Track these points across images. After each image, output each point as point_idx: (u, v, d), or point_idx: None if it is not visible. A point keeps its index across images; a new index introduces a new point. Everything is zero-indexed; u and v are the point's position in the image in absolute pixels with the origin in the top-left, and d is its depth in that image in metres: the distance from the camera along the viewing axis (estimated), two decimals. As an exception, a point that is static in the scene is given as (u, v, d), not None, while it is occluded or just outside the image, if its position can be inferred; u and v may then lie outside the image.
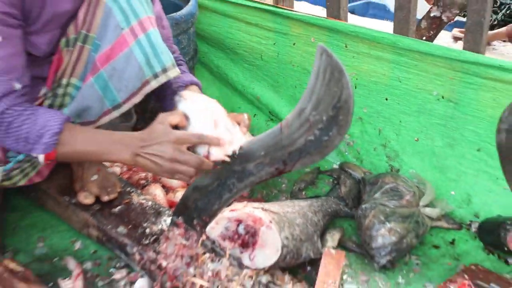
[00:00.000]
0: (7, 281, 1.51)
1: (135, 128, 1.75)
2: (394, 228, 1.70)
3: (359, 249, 1.76)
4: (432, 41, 2.39)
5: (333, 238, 1.75)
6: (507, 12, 3.33)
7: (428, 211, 1.81)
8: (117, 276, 1.62)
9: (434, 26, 2.38)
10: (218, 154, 1.44)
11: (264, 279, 1.47)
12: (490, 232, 1.76)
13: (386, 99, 2.07)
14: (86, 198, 1.75)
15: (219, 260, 1.49)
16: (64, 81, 1.58)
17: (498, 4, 3.05)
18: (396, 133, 2.09)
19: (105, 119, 1.59)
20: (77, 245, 1.75)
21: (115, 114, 1.58)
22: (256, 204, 1.57)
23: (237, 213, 1.49)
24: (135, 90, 1.54)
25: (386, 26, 3.83)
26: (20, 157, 1.54)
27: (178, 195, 1.88)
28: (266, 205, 1.60)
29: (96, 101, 1.56)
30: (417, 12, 2.39)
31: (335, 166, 2.18)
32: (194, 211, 1.57)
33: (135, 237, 1.64)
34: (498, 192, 1.77)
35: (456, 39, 2.96)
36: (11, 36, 1.37)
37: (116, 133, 1.49)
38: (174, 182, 2.02)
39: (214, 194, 1.54)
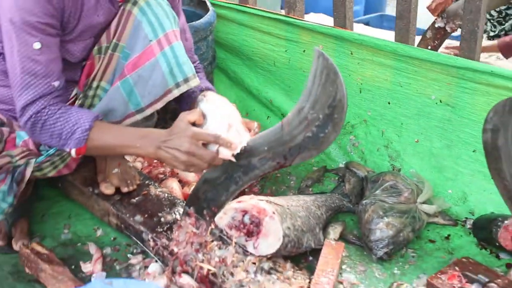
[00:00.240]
0: (33, 261, 1.64)
1: (155, 127, 1.83)
2: (392, 222, 1.75)
3: (359, 241, 1.82)
4: (437, 50, 2.44)
5: (335, 231, 1.81)
6: None
7: (426, 207, 1.86)
8: (133, 261, 1.71)
9: (438, 36, 2.41)
10: (226, 153, 1.50)
11: (267, 265, 1.54)
12: (483, 229, 1.80)
13: (389, 103, 2.12)
14: (107, 189, 1.84)
15: (225, 248, 1.56)
16: (94, 84, 1.67)
17: (503, 15, 3.03)
18: (398, 134, 2.14)
19: (129, 121, 1.67)
20: (99, 232, 1.84)
21: (138, 117, 1.66)
22: (261, 197, 1.63)
23: (244, 204, 1.57)
24: (157, 97, 1.61)
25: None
26: (51, 151, 1.64)
27: (193, 189, 1.94)
28: (272, 198, 1.66)
29: (121, 104, 1.64)
30: (422, 23, 2.41)
31: (341, 165, 2.23)
32: (204, 202, 1.64)
33: (150, 225, 1.71)
34: (493, 191, 1.77)
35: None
36: (51, 44, 1.48)
37: (142, 129, 1.57)
38: (190, 176, 2.07)
39: (222, 186, 1.61)
